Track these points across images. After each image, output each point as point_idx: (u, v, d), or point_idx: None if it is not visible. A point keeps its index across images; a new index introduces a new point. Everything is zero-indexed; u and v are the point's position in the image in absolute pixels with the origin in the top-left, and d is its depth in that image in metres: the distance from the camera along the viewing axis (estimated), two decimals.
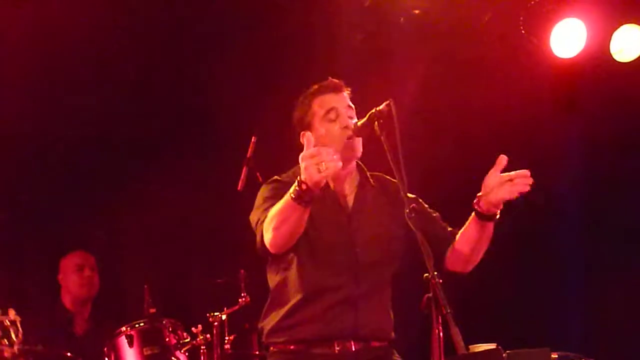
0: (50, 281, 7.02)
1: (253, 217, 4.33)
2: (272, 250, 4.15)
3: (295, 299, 4.33)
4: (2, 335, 4.26)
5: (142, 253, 7.64)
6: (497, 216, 4.35)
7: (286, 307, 4.35)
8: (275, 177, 4.51)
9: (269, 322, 4.41)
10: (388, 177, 4.55)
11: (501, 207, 4.28)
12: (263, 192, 4.42)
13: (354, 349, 4.28)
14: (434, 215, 4.64)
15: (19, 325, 4.31)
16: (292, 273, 4.35)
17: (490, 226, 4.35)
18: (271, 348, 4.41)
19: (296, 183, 3.85)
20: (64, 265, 7.05)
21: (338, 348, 4.26)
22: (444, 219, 4.68)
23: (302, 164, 3.80)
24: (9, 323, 4.29)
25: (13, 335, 4.29)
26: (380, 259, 4.43)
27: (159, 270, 7.45)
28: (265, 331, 4.42)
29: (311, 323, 4.29)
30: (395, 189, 4.37)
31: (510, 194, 4.23)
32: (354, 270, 4.33)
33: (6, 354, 4.26)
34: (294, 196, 3.87)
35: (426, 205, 4.64)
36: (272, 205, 4.13)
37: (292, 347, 4.31)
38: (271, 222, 4.06)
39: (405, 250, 4.44)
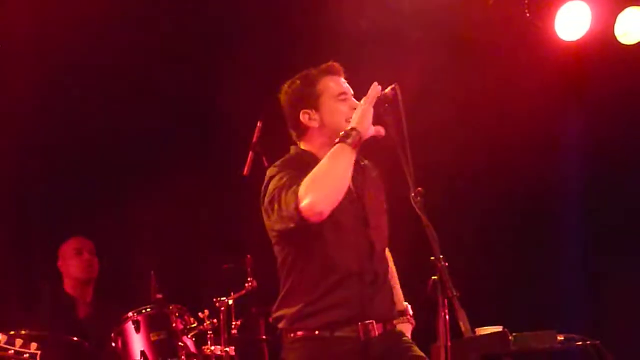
0: (54, 269, 7.05)
1: (273, 191, 4.21)
2: (312, 214, 4.03)
3: (320, 283, 4.25)
4: None
5: (148, 238, 7.65)
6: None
7: (304, 297, 4.27)
8: (277, 162, 4.45)
9: (290, 310, 4.31)
10: (371, 163, 4.56)
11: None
12: (270, 174, 4.32)
13: (375, 334, 4.25)
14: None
15: (38, 358, 4.33)
16: (313, 257, 4.27)
17: None
18: (291, 335, 4.31)
19: (346, 130, 4.14)
20: (62, 251, 7.07)
21: (362, 331, 4.23)
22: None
23: (359, 110, 4.18)
24: (28, 356, 4.31)
25: None
26: (383, 242, 4.46)
27: (166, 255, 7.47)
28: (287, 318, 4.32)
29: (336, 307, 4.23)
30: (377, 173, 4.47)
31: None
32: (370, 250, 4.33)
33: None
34: (345, 139, 4.12)
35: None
36: (293, 175, 4.17)
37: (317, 332, 4.24)
38: (315, 179, 4.07)
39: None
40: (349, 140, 4.13)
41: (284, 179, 4.20)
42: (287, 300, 4.35)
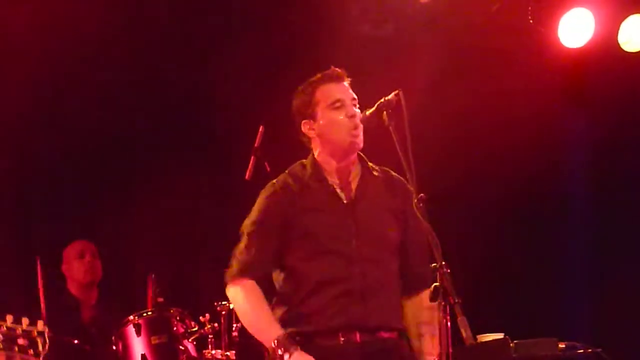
0: (57, 272, 7.05)
1: (243, 230, 4.47)
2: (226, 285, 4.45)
3: (299, 292, 4.33)
4: (29, 345, 4.28)
5: (149, 242, 7.65)
6: None
7: (290, 303, 4.36)
8: (272, 182, 4.53)
9: (275, 315, 4.40)
10: (394, 174, 4.54)
11: None
12: (259, 202, 4.48)
13: (359, 340, 4.27)
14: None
15: (46, 337, 4.34)
16: (295, 268, 4.35)
17: None
18: None
19: (283, 350, 4.14)
20: (66, 254, 7.13)
21: (343, 339, 4.26)
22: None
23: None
24: (36, 334, 4.32)
25: (40, 347, 4.31)
26: (381, 251, 4.42)
27: (167, 259, 7.47)
28: None
29: (316, 315, 4.28)
30: (400, 185, 4.39)
31: None
32: (357, 261, 4.32)
33: None
34: (274, 347, 4.17)
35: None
36: (256, 252, 4.37)
37: (297, 338, 4.28)
38: (243, 307, 4.44)
39: (402, 244, 4.46)
40: (273, 343, 4.19)
41: (251, 229, 4.43)
42: (274, 307, 4.44)
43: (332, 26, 7.13)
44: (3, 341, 4.22)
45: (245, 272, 4.37)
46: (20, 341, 4.25)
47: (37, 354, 4.30)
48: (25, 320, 4.28)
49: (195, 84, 7.65)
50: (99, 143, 7.60)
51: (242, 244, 4.42)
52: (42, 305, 6.33)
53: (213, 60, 7.49)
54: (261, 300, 4.34)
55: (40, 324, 4.32)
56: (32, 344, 4.29)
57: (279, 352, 4.13)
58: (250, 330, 4.45)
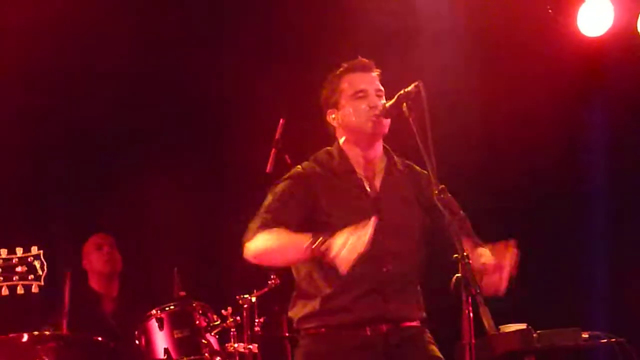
0: (78, 267, 7.08)
1: (260, 211, 4.40)
2: (247, 257, 4.33)
3: (323, 290, 4.32)
4: (28, 271, 4.34)
5: (171, 236, 7.67)
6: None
7: (315, 299, 4.35)
8: (298, 167, 4.54)
9: (297, 312, 4.42)
10: (418, 168, 4.53)
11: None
12: (279, 186, 4.45)
13: (384, 330, 4.28)
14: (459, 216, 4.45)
15: (42, 258, 4.38)
16: (318, 265, 4.30)
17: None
18: (302, 332, 4.41)
19: (320, 240, 3.99)
20: (85, 249, 7.19)
21: (369, 331, 4.27)
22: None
23: (338, 241, 3.92)
24: (32, 258, 4.36)
25: (39, 270, 4.36)
26: (406, 246, 4.42)
27: (189, 253, 7.48)
28: (295, 319, 4.44)
29: (341, 312, 4.29)
30: (424, 179, 4.38)
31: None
32: (380, 257, 4.30)
33: (35, 290, 4.34)
34: (312, 242, 4.02)
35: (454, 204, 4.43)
36: (280, 208, 4.31)
37: (323, 330, 4.32)
38: (268, 240, 4.24)
39: (430, 238, 4.45)
40: (312, 246, 4.02)
41: (272, 206, 4.37)
42: (294, 303, 4.46)
43: (354, 17, 7.12)
44: (2, 273, 4.30)
45: (266, 226, 4.29)
46: (19, 269, 4.33)
47: (37, 278, 4.36)
48: (19, 249, 4.35)
49: (218, 76, 7.65)
50: (120, 137, 7.64)
51: (263, 210, 4.37)
52: (65, 308, 6.39)
53: (233, 53, 7.50)
54: (284, 230, 4.25)
55: (34, 249, 4.39)
56: (31, 269, 4.36)
57: (319, 246, 4.01)
58: (279, 256, 4.33)
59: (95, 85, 7.40)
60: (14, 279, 4.32)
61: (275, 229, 4.25)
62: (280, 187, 4.45)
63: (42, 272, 4.36)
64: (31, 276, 4.34)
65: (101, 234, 7.22)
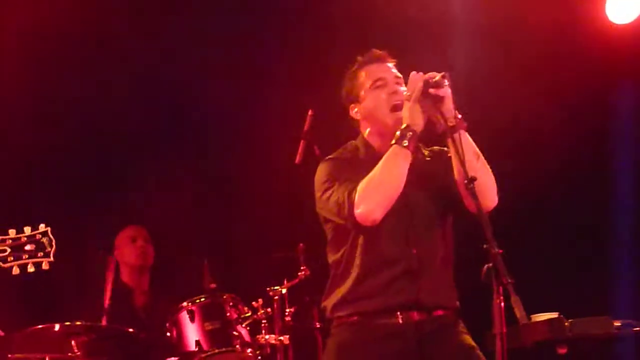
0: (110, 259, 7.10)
1: (324, 196, 4.34)
2: (366, 222, 4.18)
3: (355, 274, 4.32)
4: (37, 248, 4.37)
5: (201, 228, 7.70)
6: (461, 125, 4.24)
7: (347, 283, 4.35)
8: (330, 156, 4.53)
9: (331, 299, 4.42)
10: (443, 148, 4.52)
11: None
12: (324, 168, 4.43)
13: (417, 318, 4.27)
14: None
15: (50, 234, 4.41)
16: (351, 249, 4.34)
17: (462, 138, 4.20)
18: (335, 322, 4.40)
19: (401, 130, 4.16)
20: (118, 241, 7.19)
21: (401, 317, 4.26)
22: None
23: (406, 109, 4.16)
24: (40, 236, 4.39)
25: (47, 247, 4.39)
26: (433, 231, 4.40)
27: (219, 245, 7.51)
28: (329, 307, 4.43)
29: (373, 297, 4.28)
30: (449, 159, 4.37)
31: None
32: (412, 242, 4.31)
33: (45, 266, 4.37)
34: (400, 140, 4.14)
35: None
36: (344, 178, 4.26)
37: (355, 318, 4.31)
38: (371, 186, 4.17)
39: (455, 221, 4.46)
40: (404, 142, 4.16)
41: (335, 183, 4.31)
42: (329, 291, 4.46)
43: (379, 8, 7.11)
44: (12, 252, 4.34)
45: (351, 183, 4.25)
46: (28, 247, 4.37)
47: (46, 254, 4.39)
48: (27, 228, 4.39)
49: (246, 67, 7.66)
50: (153, 130, 7.67)
51: (329, 185, 4.33)
52: (106, 301, 6.43)
53: (261, 45, 7.51)
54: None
55: (41, 226, 4.42)
56: (39, 246, 4.39)
57: (405, 134, 4.17)
58: (390, 180, 4.21)
59: (122, 79, 7.44)
60: (24, 257, 4.36)
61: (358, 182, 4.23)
62: (325, 166, 4.45)
63: (51, 249, 4.40)
64: (40, 253, 4.38)
65: (135, 226, 7.23)
